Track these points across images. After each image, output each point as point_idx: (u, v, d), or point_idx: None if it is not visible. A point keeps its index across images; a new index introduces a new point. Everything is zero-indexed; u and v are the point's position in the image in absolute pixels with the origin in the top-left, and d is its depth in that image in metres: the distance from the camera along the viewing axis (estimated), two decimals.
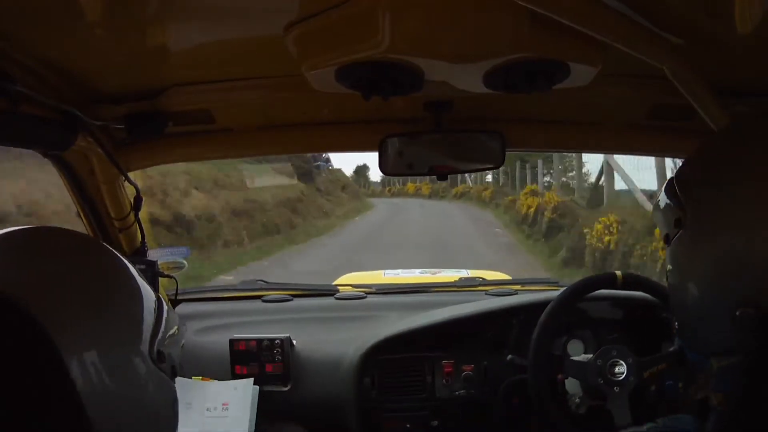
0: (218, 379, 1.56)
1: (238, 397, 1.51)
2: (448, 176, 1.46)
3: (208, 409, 1.49)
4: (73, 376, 0.57)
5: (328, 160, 22.23)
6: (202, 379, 1.55)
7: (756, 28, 0.72)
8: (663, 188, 0.83)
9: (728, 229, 0.70)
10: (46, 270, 0.64)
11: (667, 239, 0.80)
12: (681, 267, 0.77)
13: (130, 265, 0.75)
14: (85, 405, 0.56)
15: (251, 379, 1.54)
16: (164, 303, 0.77)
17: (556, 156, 13.65)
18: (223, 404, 1.50)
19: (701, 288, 0.74)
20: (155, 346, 0.69)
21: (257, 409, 1.52)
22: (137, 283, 0.73)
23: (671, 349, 1.30)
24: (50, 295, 0.61)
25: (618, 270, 1.49)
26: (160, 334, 0.71)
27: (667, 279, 0.81)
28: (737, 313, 0.67)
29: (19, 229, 0.70)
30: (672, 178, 0.82)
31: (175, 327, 0.79)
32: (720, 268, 0.71)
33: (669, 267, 0.80)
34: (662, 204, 0.82)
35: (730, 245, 0.69)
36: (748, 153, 0.72)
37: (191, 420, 1.46)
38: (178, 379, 1.48)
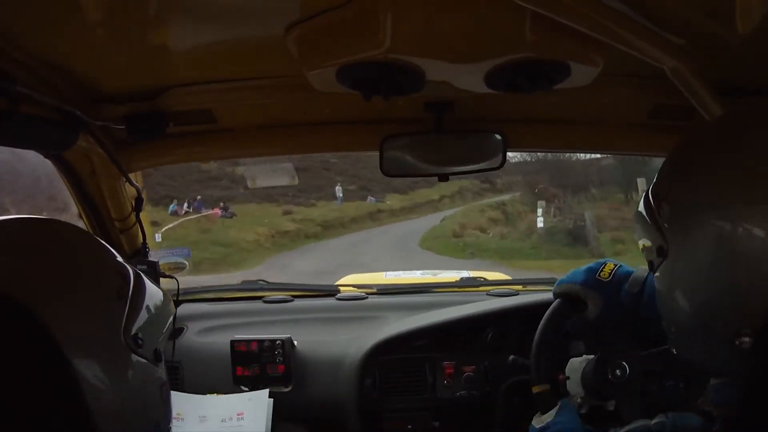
0: (219, 382, 1.57)
1: (253, 407, 1.51)
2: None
3: (223, 420, 1.49)
4: (74, 366, 0.58)
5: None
6: (216, 395, 1.55)
7: (756, 28, 0.71)
8: (641, 201, 0.79)
9: (715, 257, 0.66)
10: (33, 261, 0.64)
11: (651, 266, 0.77)
12: (670, 295, 0.74)
13: (106, 248, 0.74)
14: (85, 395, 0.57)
15: (266, 391, 1.53)
16: (145, 283, 0.75)
17: None
18: (238, 414, 1.50)
19: (693, 316, 0.71)
20: (131, 332, 0.68)
21: None
22: (110, 268, 0.72)
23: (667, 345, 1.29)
24: (41, 287, 0.62)
25: None
26: (138, 319, 0.70)
27: (659, 303, 0.78)
28: (736, 342, 0.65)
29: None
30: (647, 193, 0.78)
31: (159, 307, 0.77)
32: (711, 298, 0.68)
33: (658, 288, 0.77)
34: (642, 223, 0.78)
35: (719, 275, 0.66)
36: (721, 165, 0.68)
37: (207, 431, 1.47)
38: (191, 396, 1.50)
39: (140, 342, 0.69)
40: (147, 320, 0.72)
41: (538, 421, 1.24)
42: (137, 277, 0.74)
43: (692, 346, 0.74)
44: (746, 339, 0.64)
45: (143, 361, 0.70)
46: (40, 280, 0.62)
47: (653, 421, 0.80)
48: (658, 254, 0.73)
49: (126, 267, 0.73)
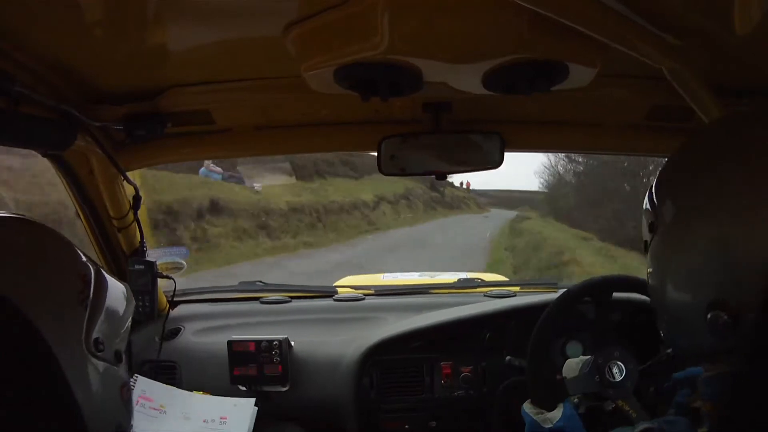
0: (217, 382, 1.57)
1: (237, 413, 1.51)
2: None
3: (205, 421, 1.49)
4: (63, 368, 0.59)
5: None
6: (202, 394, 1.54)
7: (754, 29, 0.72)
8: (647, 194, 0.82)
9: (696, 233, 0.70)
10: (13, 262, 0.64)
11: (645, 246, 0.80)
12: (656, 271, 0.77)
13: (70, 248, 0.72)
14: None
15: (252, 400, 1.53)
16: (106, 281, 0.73)
17: None
18: (221, 417, 1.50)
19: (675, 291, 0.74)
20: (92, 337, 0.68)
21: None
22: (72, 272, 0.70)
23: (669, 350, 1.30)
24: (25, 287, 0.62)
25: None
26: (99, 322, 0.69)
27: (648, 283, 0.81)
28: (708, 316, 0.67)
29: None
30: (653, 183, 0.81)
31: (121, 306, 0.76)
32: (690, 271, 0.71)
33: (649, 270, 0.80)
34: (643, 210, 0.82)
35: (698, 249, 0.70)
36: (716, 159, 0.72)
37: (188, 431, 1.46)
38: (178, 391, 1.50)
39: (101, 346, 0.69)
40: (108, 322, 0.71)
41: (543, 419, 1.24)
42: (98, 276, 0.72)
43: (673, 322, 0.76)
44: (719, 313, 0.66)
45: (105, 364, 0.70)
46: (12, 281, 0.61)
47: (637, 430, 0.80)
48: (650, 230, 0.78)
49: (87, 267, 0.72)
